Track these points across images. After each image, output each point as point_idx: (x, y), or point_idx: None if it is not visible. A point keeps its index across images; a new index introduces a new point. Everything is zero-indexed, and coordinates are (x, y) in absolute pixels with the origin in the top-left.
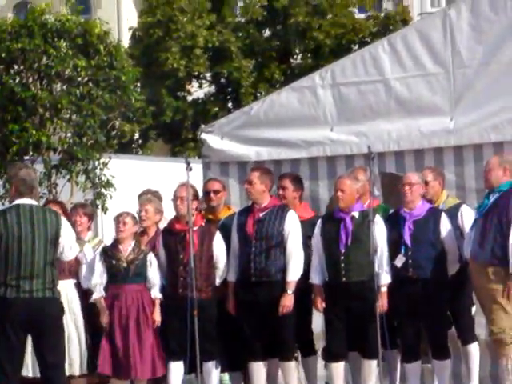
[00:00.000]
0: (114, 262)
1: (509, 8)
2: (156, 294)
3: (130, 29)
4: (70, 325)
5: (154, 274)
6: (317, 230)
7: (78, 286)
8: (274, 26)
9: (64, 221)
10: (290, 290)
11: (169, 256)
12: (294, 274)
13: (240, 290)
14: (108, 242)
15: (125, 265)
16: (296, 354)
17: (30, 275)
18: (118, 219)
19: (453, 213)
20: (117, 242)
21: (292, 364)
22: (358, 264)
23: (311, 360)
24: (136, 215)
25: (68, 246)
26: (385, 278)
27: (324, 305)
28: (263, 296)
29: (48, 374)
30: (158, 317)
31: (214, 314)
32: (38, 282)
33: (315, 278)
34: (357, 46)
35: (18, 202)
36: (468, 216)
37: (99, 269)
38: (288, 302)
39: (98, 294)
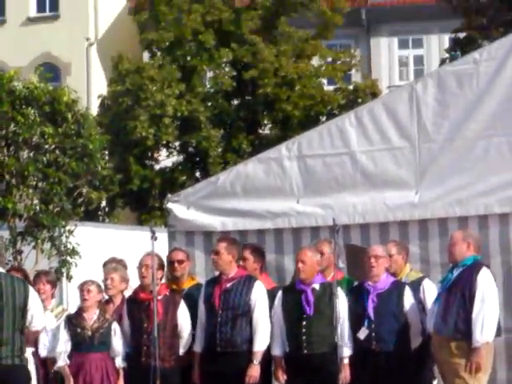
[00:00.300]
0: (78, 330)
1: (474, 84)
2: (120, 363)
3: (99, 97)
4: None
5: (117, 343)
6: (277, 302)
7: (36, 354)
8: (243, 97)
9: (31, 290)
10: (257, 360)
11: (133, 325)
12: (260, 344)
13: (206, 360)
14: (73, 310)
15: (89, 333)
16: None
17: None
18: (83, 287)
19: (415, 287)
20: (81, 311)
21: None
22: (320, 336)
23: None
24: (101, 283)
25: (36, 316)
26: (346, 351)
27: (285, 377)
28: (229, 366)
29: None
30: None
31: (178, 383)
32: (8, 348)
33: (276, 350)
34: (325, 117)
35: None
36: (430, 290)
37: (64, 337)
38: (255, 372)
39: (63, 361)
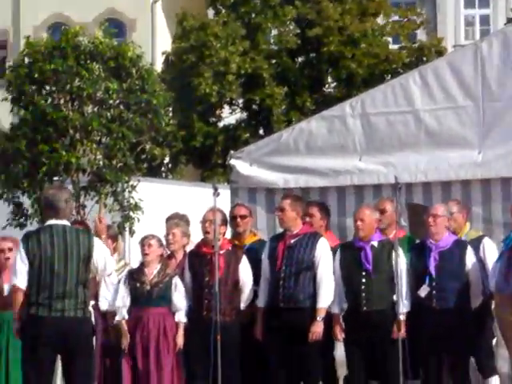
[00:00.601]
0: (137, 284)
1: None
2: (181, 318)
3: (163, 53)
4: None
5: (178, 298)
6: (336, 259)
7: (96, 307)
8: (307, 55)
9: (96, 240)
10: (320, 316)
11: (194, 278)
12: (324, 300)
13: (268, 315)
14: (135, 265)
15: (148, 288)
16: (320, 383)
17: (62, 295)
18: (143, 242)
19: (475, 245)
20: (143, 265)
21: None
22: (378, 293)
23: None
24: (163, 239)
25: (102, 264)
26: (404, 308)
27: (343, 334)
28: (291, 322)
29: None
30: (180, 341)
31: (238, 337)
32: (70, 301)
33: (334, 307)
34: (389, 76)
35: (49, 222)
36: (490, 249)
37: (122, 291)
38: (318, 328)
39: (121, 316)
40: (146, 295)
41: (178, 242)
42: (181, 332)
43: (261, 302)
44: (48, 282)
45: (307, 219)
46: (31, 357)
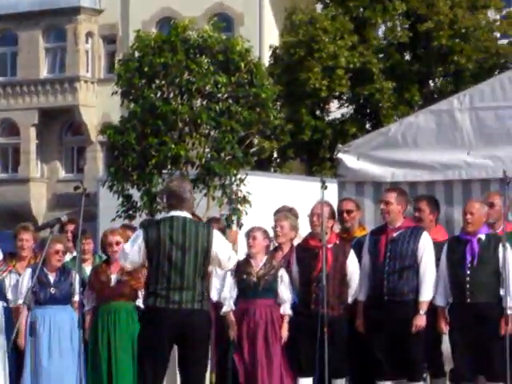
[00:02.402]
0: (244, 276)
1: None
2: (286, 310)
3: (270, 47)
4: None
5: (284, 290)
6: (443, 252)
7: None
8: (415, 49)
9: (216, 233)
10: (423, 310)
11: (302, 272)
12: (427, 294)
13: (371, 308)
14: (242, 257)
15: (255, 280)
16: (424, 375)
17: (180, 287)
18: (249, 234)
19: None
20: (249, 257)
21: None
22: (484, 285)
23: (440, 382)
24: (270, 231)
25: (224, 257)
26: (511, 301)
27: (448, 327)
28: (395, 315)
29: None
30: (285, 333)
31: (345, 331)
32: (188, 294)
33: (439, 300)
34: (498, 71)
35: (171, 214)
36: None
37: (230, 283)
38: (421, 322)
39: (228, 307)
40: (252, 287)
41: (286, 234)
42: (285, 325)
43: (362, 296)
44: (166, 274)
45: (416, 214)
46: (148, 346)
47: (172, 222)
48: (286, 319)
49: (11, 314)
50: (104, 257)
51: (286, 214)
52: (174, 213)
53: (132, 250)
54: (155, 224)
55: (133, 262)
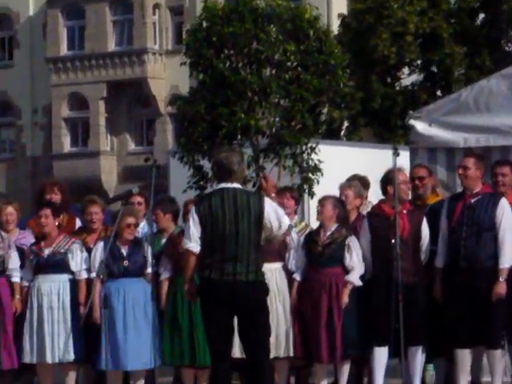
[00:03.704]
0: (312, 245)
1: None
2: (350, 277)
3: (339, 16)
4: (278, 307)
5: (352, 258)
6: None
7: (286, 268)
8: (486, 13)
9: (268, 201)
10: (503, 277)
11: (375, 239)
12: (506, 260)
13: (448, 275)
14: (315, 226)
15: (320, 249)
16: (503, 342)
17: (233, 258)
18: (321, 203)
19: None
20: (320, 227)
21: (498, 352)
22: None
23: None
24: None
25: (277, 223)
26: None
27: None
28: (472, 282)
29: (253, 356)
30: (345, 299)
31: (421, 298)
32: (242, 264)
33: None
34: None
35: (221, 186)
36: None
37: (299, 252)
38: (501, 289)
39: (296, 276)
40: (317, 256)
41: (351, 202)
42: (346, 291)
43: (439, 263)
44: (220, 245)
45: (499, 178)
46: (209, 318)
47: (222, 193)
48: (349, 287)
49: (76, 287)
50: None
51: (350, 183)
52: (223, 185)
53: (194, 229)
54: (207, 198)
55: (197, 240)
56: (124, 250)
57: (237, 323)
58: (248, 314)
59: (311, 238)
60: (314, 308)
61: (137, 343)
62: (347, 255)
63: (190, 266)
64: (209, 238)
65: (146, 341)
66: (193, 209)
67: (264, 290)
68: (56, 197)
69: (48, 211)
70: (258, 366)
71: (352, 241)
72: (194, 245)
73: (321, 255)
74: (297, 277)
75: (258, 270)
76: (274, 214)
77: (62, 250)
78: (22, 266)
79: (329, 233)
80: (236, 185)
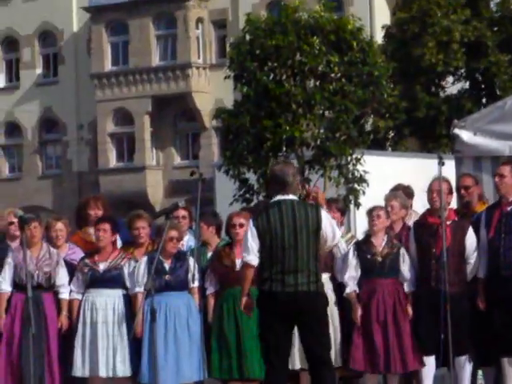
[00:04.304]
0: (368, 256)
1: None
2: (410, 288)
3: (382, 27)
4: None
5: (406, 269)
6: None
7: (333, 279)
8: None
9: (324, 212)
10: None
11: (420, 249)
12: None
13: (490, 285)
14: (360, 236)
15: (380, 259)
16: None
17: (294, 269)
18: (372, 213)
19: None
20: (369, 237)
21: None
22: None
23: None
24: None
25: (331, 235)
26: None
27: None
28: None
29: (316, 368)
30: (410, 311)
31: (467, 308)
32: (303, 275)
33: None
34: None
35: (277, 198)
36: None
37: (353, 263)
38: None
39: (351, 288)
40: (378, 267)
41: (397, 214)
42: (409, 303)
43: (481, 273)
44: (280, 257)
45: None
46: (269, 330)
47: (280, 205)
48: (410, 298)
49: (130, 302)
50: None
51: (395, 193)
52: (280, 197)
53: (253, 242)
54: (264, 210)
55: (256, 253)
56: (166, 264)
57: (298, 334)
58: (310, 324)
59: (364, 248)
60: (379, 317)
61: (177, 359)
62: (402, 265)
63: (248, 279)
64: (268, 250)
65: (186, 357)
66: (250, 222)
67: (325, 300)
68: (99, 212)
69: (107, 226)
70: (320, 376)
71: (404, 251)
72: (253, 258)
73: (382, 266)
74: (354, 288)
75: (318, 280)
76: (330, 225)
77: (118, 266)
78: (70, 281)
79: (383, 243)
80: (292, 196)
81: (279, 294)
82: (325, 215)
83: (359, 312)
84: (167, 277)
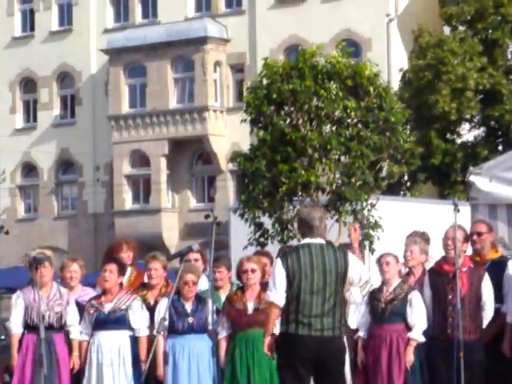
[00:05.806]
0: (375, 302)
1: None
2: (414, 334)
3: (400, 71)
4: None
5: (414, 314)
6: None
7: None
8: None
9: (352, 256)
10: None
11: (436, 296)
12: None
13: None
14: (376, 283)
15: (382, 305)
16: None
17: (321, 314)
18: (381, 260)
19: None
20: (382, 284)
21: None
22: None
23: None
24: (400, 256)
25: (358, 277)
26: None
27: None
28: None
29: None
30: (410, 357)
31: (482, 356)
32: (328, 320)
33: None
34: None
35: (306, 241)
36: None
37: (363, 309)
38: None
39: (360, 333)
40: (380, 313)
41: (417, 258)
42: (411, 349)
43: (509, 318)
44: (308, 301)
45: None
46: (289, 373)
47: (310, 248)
48: (413, 344)
49: (136, 343)
50: (240, 284)
51: (415, 238)
52: (308, 240)
53: (280, 282)
54: (295, 251)
55: (283, 294)
56: (188, 307)
57: (314, 377)
58: (330, 368)
59: (374, 295)
60: (375, 364)
61: None
62: (409, 310)
63: (273, 319)
64: (296, 292)
65: None
66: (278, 262)
67: (344, 347)
68: (131, 254)
69: (114, 267)
70: None
71: (414, 296)
72: (279, 298)
73: (383, 312)
74: (361, 334)
75: (341, 325)
76: (357, 268)
77: (123, 306)
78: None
79: (391, 289)
80: (320, 240)
81: (306, 337)
82: (352, 258)
83: (360, 358)
84: (190, 319)
